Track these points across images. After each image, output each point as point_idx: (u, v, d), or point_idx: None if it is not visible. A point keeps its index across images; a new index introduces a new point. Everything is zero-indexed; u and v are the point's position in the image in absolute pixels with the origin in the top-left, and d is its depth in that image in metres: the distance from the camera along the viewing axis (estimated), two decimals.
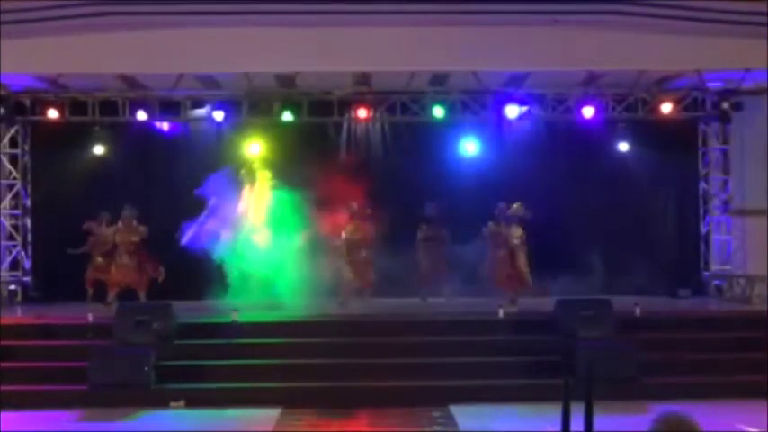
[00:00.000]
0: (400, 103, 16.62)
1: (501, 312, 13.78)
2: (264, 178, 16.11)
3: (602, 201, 16.98)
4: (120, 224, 15.67)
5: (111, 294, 15.59)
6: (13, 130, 17.11)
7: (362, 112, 16.52)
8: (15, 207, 17.35)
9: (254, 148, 16.45)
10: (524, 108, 16.36)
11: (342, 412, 11.62)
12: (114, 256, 15.72)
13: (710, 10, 13.62)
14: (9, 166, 17.24)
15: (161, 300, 14.44)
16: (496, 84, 16.09)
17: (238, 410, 11.74)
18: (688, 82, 16.30)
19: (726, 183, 17.38)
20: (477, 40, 14.09)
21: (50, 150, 17.18)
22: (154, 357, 12.25)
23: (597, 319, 12.72)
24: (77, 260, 16.15)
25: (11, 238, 17.26)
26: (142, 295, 15.61)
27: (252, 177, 16.15)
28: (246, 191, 16.09)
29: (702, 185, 17.60)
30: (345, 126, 17.14)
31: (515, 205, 15.40)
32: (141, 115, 16.25)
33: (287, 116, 16.35)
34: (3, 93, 15.87)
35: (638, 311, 13.75)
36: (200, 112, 16.50)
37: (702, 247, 17.59)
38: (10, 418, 11.05)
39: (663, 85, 16.58)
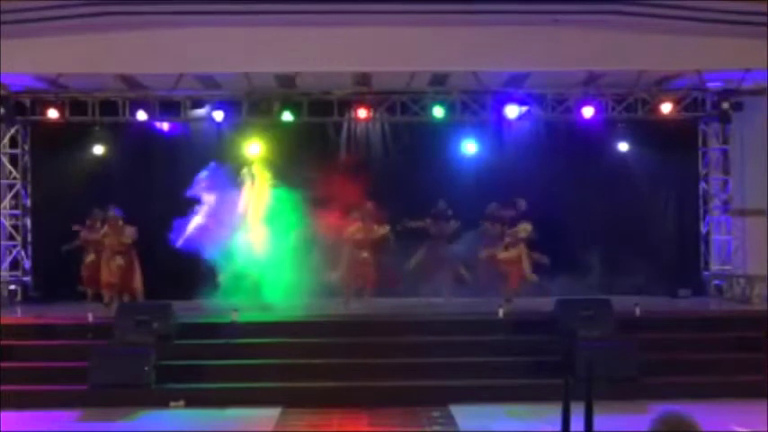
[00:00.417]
0: (400, 103, 16.62)
1: (501, 312, 13.79)
2: (264, 178, 16.11)
3: (602, 201, 16.97)
4: (106, 227, 15.62)
5: (108, 296, 15.58)
6: (13, 130, 17.11)
7: (362, 112, 16.51)
8: (15, 207, 17.35)
9: (254, 148, 16.44)
10: (524, 108, 16.36)
11: (342, 412, 11.61)
12: (105, 256, 15.68)
13: (710, 10, 13.62)
14: (9, 166, 17.24)
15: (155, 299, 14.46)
16: (496, 84, 16.09)
17: (238, 410, 11.74)
18: (688, 82, 16.31)
19: (726, 183, 17.37)
20: (477, 40, 14.10)
21: (50, 150, 17.18)
22: (154, 357, 12.25)
23: (597, 319, 12.72)
24: (77, 260, 16.16)
25: (11, 238, 17.26)
26: (139, 296, 15.58)
27: (252, 177, 16.14)
28: (246, 191, 16.08)
29: (702, 185, 17.60)
30: (345, 126, 17.14)
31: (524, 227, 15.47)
32: (141, 115, 16.25)
33: (287, 116, 16.35)
34: (3, 93, 15.87)
35: (638, 311, 13.75)
36: (200, 112, 16.50)
37: (702, 247, 17.59)
38: (10, 418, 11.05)
39: (663, 85, 16.58)
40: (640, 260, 16.17)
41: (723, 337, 13.35)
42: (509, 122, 16.63)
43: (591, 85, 16.26)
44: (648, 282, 16.15)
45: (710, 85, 16.23)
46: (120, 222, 15.58)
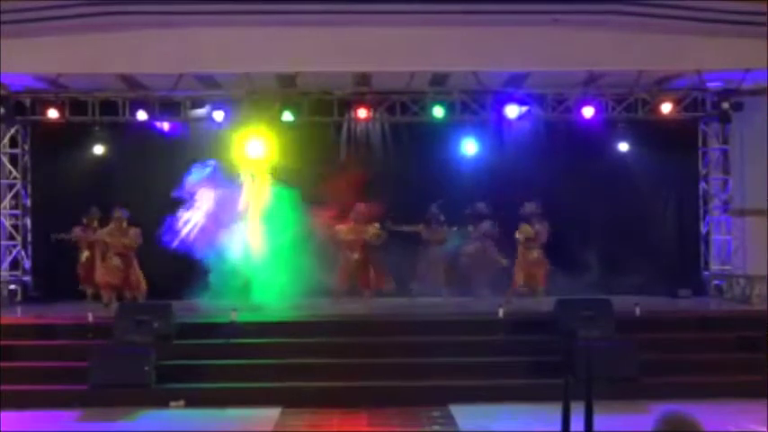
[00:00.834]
0: (400, 103, 16.62)
1: (501, 312, 13.79)
2: (264, 178, 16.11)
3: (602, 201, 16.97)
4: (111, 225, 15.62)
5: (107, 296, 15.57)
6: (13, 130, 17.11)
7: (362, 112, 16.51)
8: (15, 207, 17.35)
9: (255, 148, 16.43)
10: (524, 108, 16.36)
11: (341, 412, 11.61)
12: (104, 255, 15.67)
13: (710, 10, 13.63)
14: (9, 166, 17.24)
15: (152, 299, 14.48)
16: (496, 84, 16.09)
17: (238, 410, 11.74)
18: (688, 82, 16.31)
19: (726, 183, 17.37)
20: (477, 40, 14.10)
21: (50, 150, 17.18)
22: (154, 357, 12.25)
23: (597, 319, 12.70)
24: (77, 260, 16.16)
25: (11, 237, 17.26)
26: (141, 296, 15.59)
27: (252, 177, 16.15)
28: (246, 190, 16.09)
29: (702, 185, 17.60)
30: (345, 126, 17.13)
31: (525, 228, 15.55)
32: (141, 115, 16.25)
33: (287, 116, 16.34)
34: (3, 93, 15.87)
35: (638, 311, 13.75)
36: (201, 111, 16.48)
37: (702, 246, 17.59)
38: (10, 418, 11.05)
39: (663, 85, 16.58)
40: (640, 260, 16.17)
41: (723, 337, 13.35)
42: (509, 122, 16.62)
43: (591, 85, 16.26)
44: (648, 282, 16.14)
45: (710, 85, 16.23)
46: (125, 224, 15.57)
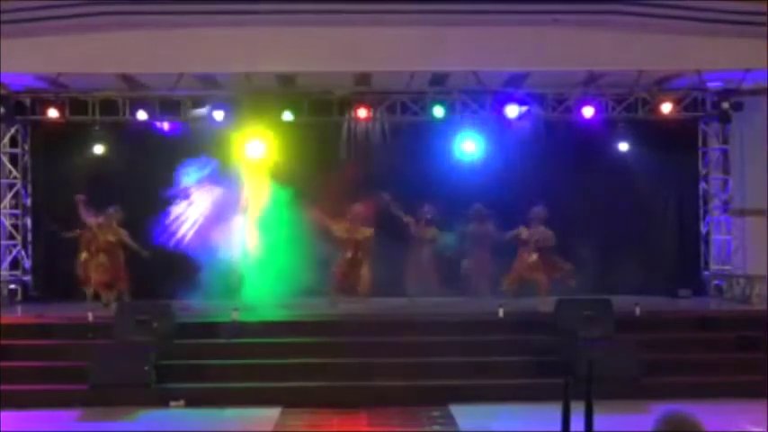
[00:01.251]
0: (400, 103, 16.63)
1: (501, 312, 13.79)
2: (264, 178, 16.11)
3: (601, 201, 16.98)
4: (101, 218, 15.64)
5: (105, 296, 15.57)
6: (13, 130, 17.10)
7: (362, 112, 16.51)
8: (15, 206, 17.34)
9: (255, 147, 16.43)
10: (524, 108, 16.35)
11: (341, 412, 11.62)
12: (92, 252, 15.69)
13: (710, 10, 13.63)
14: (9, 166, 17.24)
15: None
16: (496, 84, 16.09)
17: (238, 410, 11.75)
18: (688, 82, 16.31)
19: (726, 183, 17.37)
20: (477, 40, 14.10)
21: (50, 150, 17.18)
22: (154, 357, 12.25)
23: (597, 319, 12.71)
24: (77, 259, 16.16)
25: (11, 237, 17.26)
26: (125, 294, 15.59)
27: (251, 177, 16.15)
28: (245, 190, 16.09)
29: (702, 185, 17.60)
30: (345, 126, 17.13)
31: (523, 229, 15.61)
32: (141, 115, 16.25)
33: (287, 116, 16.34)
34: (3, 92, 15.86)
35: (638, 311, 13.75)
36: (201, 111, 16.48)
37: (702, 246, 17.59)
38: (10, 417, 11.05)
39: (663, 85, 16.58)
40: (640, 260, 16.17)
41: (723, 337, 13.36)
42: (509, 122, 16.62)
43: (591, 85, 16.25)
44: (648, 282, 16.14)
45: (710, 85, 16.23)
46: (115, 223, 15.58)
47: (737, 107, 16.13)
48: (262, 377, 12.41)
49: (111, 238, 15.56)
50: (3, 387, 11.94)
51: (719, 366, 12.76)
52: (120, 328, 12.69)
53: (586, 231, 16.52)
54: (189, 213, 16.01)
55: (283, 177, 15.84)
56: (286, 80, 15.97)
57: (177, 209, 15.88)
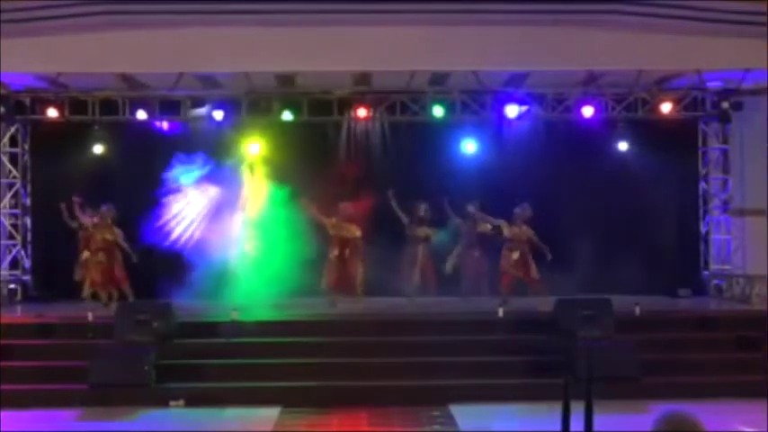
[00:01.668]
0: (400, 103, 16.63)
1: (501, 312, 13.79)
2: (263, 178, 16.11)
3: (601, 200, 16.98)
4: (96, 218, 15.64)
5: (104, 295, 15.57)
6: (12, 129, 17.10)
7: (362, 112, 16.52)
8: (15, 206, 17.35)
9: (254, 147, 16.44)
10: (524, 108, 16.36)
11: (341, 412, 11.62)
12: (91, 251, 15.69)
13: (710, 10, 13.62)
14: (9, 165, 17.24)
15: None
16: (496, 83, 16.09)
17: (238, 409, 11.76)
18: (688, 82, 16.31)
19: (725, 182, 17.38)
20: (477, 40, 14.10)
21: (50, 149, 17.16)
22: (154, 356, 12.25)
23: (597, 318, 12.71)
24: (77, 260, 16.16)
25: (11, 237, 17.26)
26: (127, 293, 15.59)
27: (251, 177, 16.15)
28: (245, 190, 16.10)
29: (702, 185, 17.60)
30: (345, 125, 17.11)
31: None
32: (141, 114, 16.26)
33: (287, 116, 16.35)
34: (3, 92, 15.86)
35: (638, 311, 13.75)
36: (200, 111, 16.48)
37: (702, 246, 17.59)
38: (10, 417, 11.04)
39: (663, 85, 16.58)
40: (640, 260, 16.15)
41: (723, 337, 13.36)
42: (509, 122, 16.62)
43: (591, 85, 16.25)
44: (648, 281, 16.13)
45: (710, 84, 16.23)
46: (110, 220, 15.58)
47: (737, 107, 16.14)
48: (261, 377, 12.41)
49: (109, 236, 15.57)
50: (3, 387, 11.94)
51: (719, 366, 12.76)
52: (120, 328, 12.70)
53: (586, 231, 16.49)
54: (188, 213, 16.02)
55: (282, 177, 15.84)
56: (285, 80, 15.97)
57: (176, 208, 15.88)
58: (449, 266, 16.12)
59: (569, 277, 15.14)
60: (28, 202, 17.47)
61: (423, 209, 16.08)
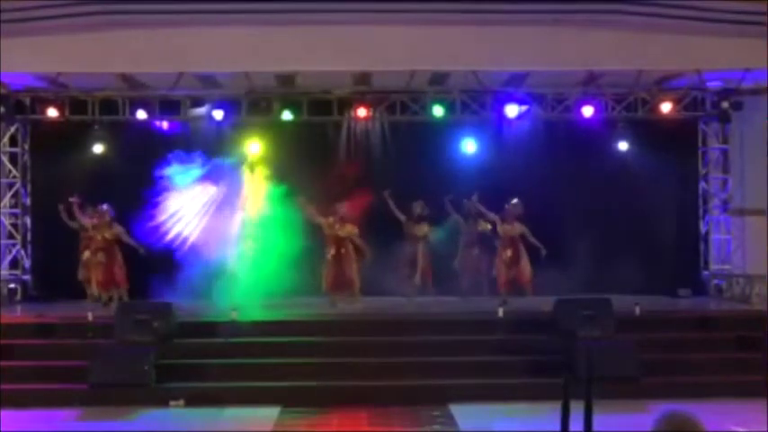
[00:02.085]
0: (400, 103, 16.63)
1: (501, 312, 13.79)
2: (263, 177, 16.10)
3: (601, 200, 16.97)
4: (94, 218, 15.64)
5: (103, 294, 15.57)
6: (12, 129, 17.10)
7: (362, 112, 16.52)
8: (15, 206, 17.35)
9: (254, 147, 16.44)
10: (524, 107, 16.36)
11: (341, 412, 11.62)
12: (95, 253, 15.70)
13: (710, 10, 13.63)
14: (9, 165, 17.24)
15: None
16: (496, 83, 16.09)
17: (238, 409, 11.76)
18: (688, 82, 16.30)
19: (725, 182, 17.38)
20: (477, 40, 14.10)
21: (50, 149, 17.16)
22: (154, 356, 12.25)
23: (597, 318, 12.72)
24: (77, 259, 16.16)
25: (10, 236, 17.26)
26: (123, 293, 15.58)
27: (251, 177, 16.15)
28: (245, 190, 16.10)
29: (702, 185, 17.60)
30: (345, 125, 17.10)
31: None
32: (141, 114, 16.26)
33: (287, 115, 16.36)
34: (3, 91, 15.85)
35: (638, 311, 13.76)
36: (200, 110, 16.49)
37: (702, 246, 17.59)
38: (10, 417, 11.04)
39: (663, 85, 16.58)
40: (640, 260, 16.15)
41: (723, 337, 13.36)
42: (509, 122, 16.62)
43: (591, 85, 16.25)
44: (648, 281, 16.13)
45: (710, 84, 16.23)
46: (108, 218, 15.57)
47: (737, 107, 16.14)
48: (261, 377, 12.42)
49: (108, 235, 15.57)
50: (3, 387, 11.94)
51: (719, 366, 12.77)
52: (120, 328, 12.70)
53: (586, 231, 16.50)
54: (187, 212, 16.01)
55: (282, 177, 15.83)
56: (285, 80, 15.96)
57: (176, 207, 15.87)
58: (457, 264, 16.11)
59: (569, 277, 15.14)
60: (28, 201, 17.47)
61: (420, 206, 16.07)
